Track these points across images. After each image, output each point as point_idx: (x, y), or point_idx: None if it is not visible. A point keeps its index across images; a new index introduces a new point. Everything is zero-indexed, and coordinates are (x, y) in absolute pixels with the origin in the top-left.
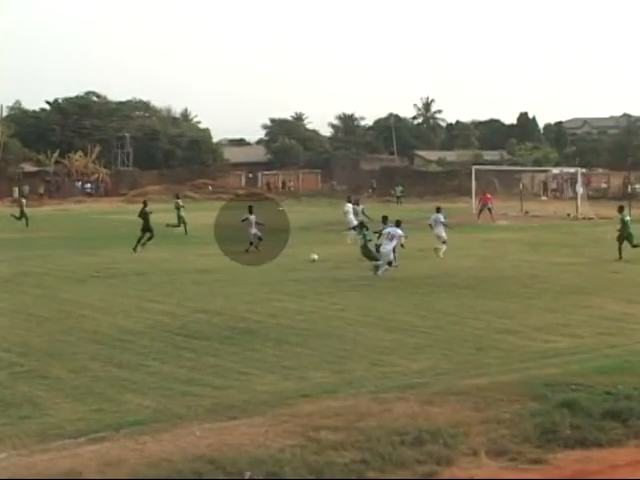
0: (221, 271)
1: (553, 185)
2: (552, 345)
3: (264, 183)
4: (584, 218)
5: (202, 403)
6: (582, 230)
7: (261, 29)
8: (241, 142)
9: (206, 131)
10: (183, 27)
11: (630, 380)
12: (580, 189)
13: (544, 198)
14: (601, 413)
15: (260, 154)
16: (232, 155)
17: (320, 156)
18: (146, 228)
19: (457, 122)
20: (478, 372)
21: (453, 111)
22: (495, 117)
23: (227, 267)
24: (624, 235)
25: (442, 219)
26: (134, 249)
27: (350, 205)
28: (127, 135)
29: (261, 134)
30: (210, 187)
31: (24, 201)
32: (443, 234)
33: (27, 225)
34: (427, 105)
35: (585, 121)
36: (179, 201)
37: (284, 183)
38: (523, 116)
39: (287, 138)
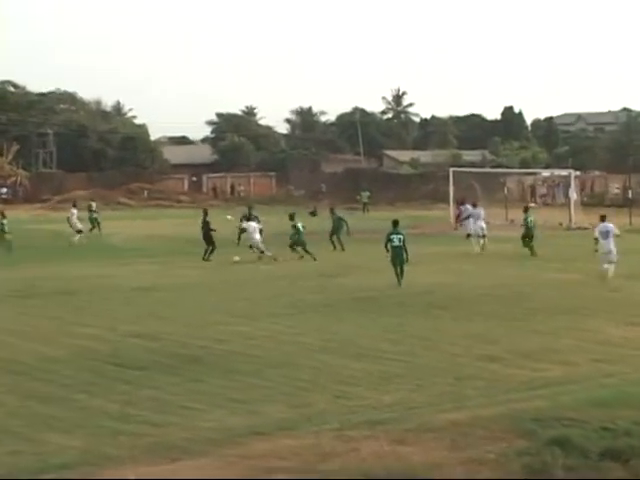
0: (160, 289)
1: (543, 190)
2: (541, 374)
3: (210, 187)
4: (578, 228)
5: (138, 443)
6: (576, 242)
7: (205, 10)
8: (183, 140)
9: (142, 127)
10: (114, 9)
11: (630, 414)
12: (573, 195)
13: (532, 205)
14: (598, 452)
15: (205, 154)
16: (173, 155)
17: (275, 156)
18: (207, 239)
19: (432, 117)
20: (457, 405)
21: (428, 105)
22: (476, 112)
23: (167, 285)
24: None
25: (613, 231)
26: (205, 259)
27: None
28: (50, 132)
29: (206, 131)
30: (146, 192)
31: None
32: (613, 249)
33: None
34: (398, 98)
35: (579, 116)
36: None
37: (233, 187)
38: (508, 111)
39: (236, 136)
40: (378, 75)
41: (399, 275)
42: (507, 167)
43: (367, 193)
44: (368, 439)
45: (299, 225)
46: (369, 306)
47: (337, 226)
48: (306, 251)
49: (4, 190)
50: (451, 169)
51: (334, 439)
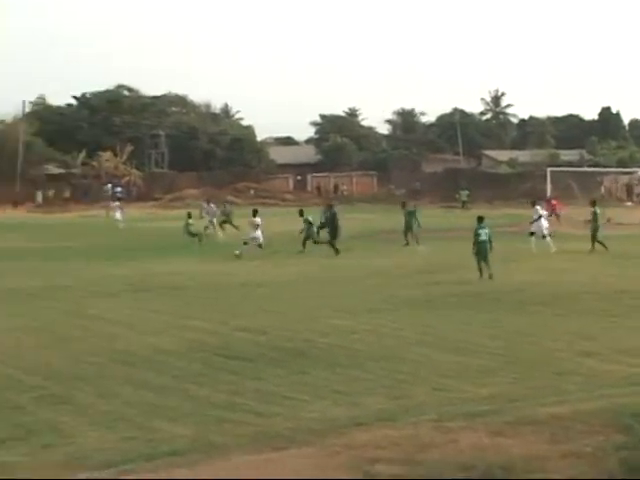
0: (266, 285)
1: (639, 189)
2: None
3: (314, 186)
4: None
5: (243, 431)
6: None
7: (311, 16)
8: (288, 141)
9: (249, 129)
10: (223, 16)
11: None
12: None
13: (629, 204)
14: None
15: (309, 154)
16: (278, 155)
17: (376, 156)
18: (333, 231)
19: (530, 118)
20: (556, 399)
21: (526, 106)
22: (574, 112)
23: (272, 280)
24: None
25: None
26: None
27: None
28: (162, 133)
29: (310, 132)
30: (252, 191)
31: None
32: None
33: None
34: (496, 99)
35: None
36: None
37: (336, 187)
38: (606, 111)
39: (339, 136)
40: (477, 77)
41: (482, 269)
42: (604, 167)
43: (466, 192)
44: (466, 430)
45: (310, 219)
46: (466, 302)
47: (409, 221)
48: (316, 242)
49: (119, 189)
50: (548, 169)
51: (433, 430)
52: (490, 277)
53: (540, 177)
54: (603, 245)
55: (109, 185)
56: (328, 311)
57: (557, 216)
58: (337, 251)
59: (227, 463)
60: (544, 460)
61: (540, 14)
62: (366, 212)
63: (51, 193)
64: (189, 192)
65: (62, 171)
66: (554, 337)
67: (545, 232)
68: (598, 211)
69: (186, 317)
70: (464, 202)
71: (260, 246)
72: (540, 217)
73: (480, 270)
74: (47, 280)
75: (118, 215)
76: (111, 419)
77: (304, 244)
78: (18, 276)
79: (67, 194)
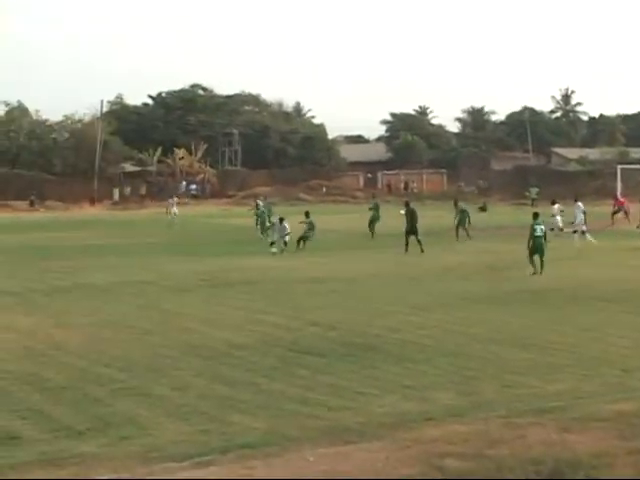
0: (336, 280)
1: None
2: None
3: (384, 184)
4: None
5: (316, 425)
6: None
7: (382, 13)
8: (359, 139)
9: (320, 127)
10: (295, 15)
11: None
12: None
13: None
14: None
15: (380, 152)
16: (349, 153)
17: (446, 154)
18: (412, 228)
19: (600, 116)
20: (624, 396)
21: (596, 104)
22: None
23: (342, 276)
24: None
25: None
26: (421, 250)
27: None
28: (235, 132)
29: (381, 130)
30: (324, 188)
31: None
32: None
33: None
34: (566, 97)
35: None
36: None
37: (406, 184)
38: None
39: (409, 134)
40: (547, 75)
41: (535, 263)
42: None
43: (536, 189)
44: (535, 426)
45: (313, 220)
46: (535, 298)
47: (462, 217)
48: (304, 242)
49: (193, 186)
50: (619, 166)
51: (502, 426)
52: (540, 273)
53: (610, 175)
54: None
55: (184, 183)
56: (398, 307)
57: (626, 213)
58: (421, 248)
59: (299, 455)
60: (611, 457)
61: (609, 12)
62: (436, 209)
63: (128, 190)
64: (261, 189)
65: (138, 169)
66: (621, 334)
67: (578, 227)
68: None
69: (259, 312)
70: (534, 199)
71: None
72: (553, 215)
73: (533, 265)
74: (124, 276)
75: (175, 210)
76: (186, 411)
77: (299, 243)
78: (97, 272)
79: (143, 191)
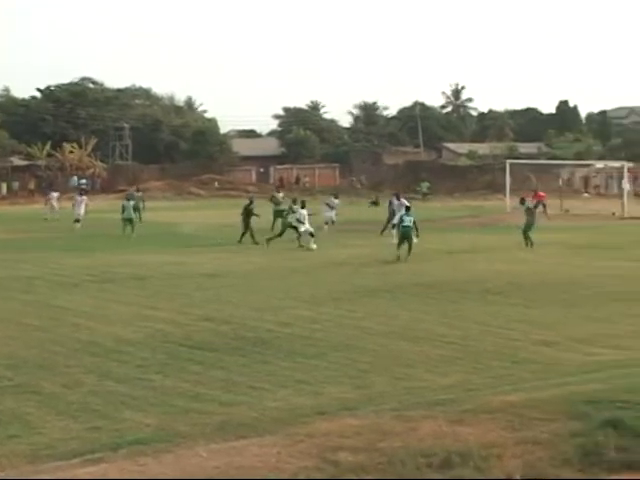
0: (229, 275)
1: (596, 181)
2: (595, 358)
3: (277, 178)
4: (631, 218)
5: (208, 420)
6: (629, 231)
7: (272, 9)
8: (251, 133)
9: (213, 121)
10: (186, 8)
11: None
12: (626, 185)
13: (586, 195)
14: None
15: (272, 147)
16: (241, 148)
17: (338, 149)
18: (245, 224)
19: (490, 111)
20: (513, 388)
21: (485, 99)
22: (532, 106)
23: (235, 271)
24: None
25: None
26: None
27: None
28: (126, 126)
29: (273, 125)
30: (217, 183)
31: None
32: None
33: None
34: (457, 93)
35: (632, 110)
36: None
37: (298, 178)
38: (563, 104)
39: (302, 129)
40: (438, 71)
41: (401, 249)
42: (562, 159)
43: (427, 184)
44: (426, 419)
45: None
46: (427, 292)
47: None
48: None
49: (83, 181)
50: (507, 161)
51: (394, 419)
52: (399, 259)
53: (499, 169)
54: (527, 240)
55: (74, 177)
56: (290, 301)
57: (544, 207)
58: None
59: (191, 451)
60: (500, 447)
61: (499, 9)
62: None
63: (16, 185)
64: (153, 184)
65: (27, 163)
66: (512, 326)
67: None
68: (530, 206)
69: (149, 307)
70: (425, 194)
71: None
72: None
73: (398, 252)
74: (12, 270)
75: (55, 204)
76: (76, 409)
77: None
78: None
79: (32, 186)
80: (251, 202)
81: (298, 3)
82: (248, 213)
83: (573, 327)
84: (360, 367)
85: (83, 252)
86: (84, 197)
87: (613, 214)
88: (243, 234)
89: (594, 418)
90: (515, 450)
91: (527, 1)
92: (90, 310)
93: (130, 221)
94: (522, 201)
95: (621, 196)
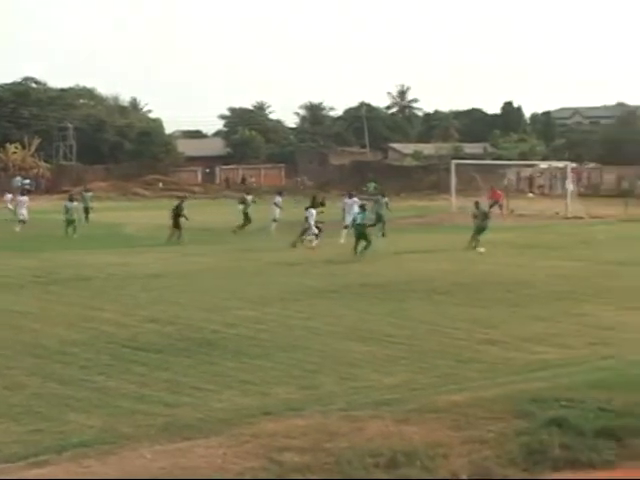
0: (173, 276)
1: (541, 181)
2: (540, 357)
3: (222, 179)
4: (574, 217)
5: (153, 422)
6: (572, 231)
7: (217, 7)
8: (197, 134)
9: (157, 122)
10: (130, 6)
11: (624, 395)
12: (570, 185)
13: (531, 195)
14: (594, 431)
15: (218, 147)
16: (187, 148)
17: (284, 149)
18: (175, 224)
19: (435, 112)
20: (458, 387)
21: (431, 100)
22: (477, 106)
23: (180, 271)
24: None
25: None
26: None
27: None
28: (70, 126)
29: (219, 125)
30: (161, 184)
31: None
32: None
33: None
34: (402, 93)
35: (576, 111)
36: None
37: (244, 179)
38: (508, 105)
39: (247, 129)
40: (384, 71)
41: (358, 246)
42: (507, 159)
43: (373, 184)
44: (373, 419)
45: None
46: (374, 292)
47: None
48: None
49: (27, 181)
50: (453, 161)
51: (340, 419)
52: (357, 254)
53: (445, 170)
54: (473, 242)
55: (18, 177)
56: (236, 302)
57: (500, 206)
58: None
59: (136, 453)
60: (446, 447)
61: (444, 9)
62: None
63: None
64: (97, 184)
65: None
66: (457, 326)
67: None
68: (486, 210)
69: (93, 308)
70: (371, 194)
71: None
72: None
73: (356, 248)
74: None
75: (10, 206)
76: (19, 412)
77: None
78: None
79: None
80: (182, 202)
81: (244, 3)
82: (177, 213)
83: (518, 326)
84: (306, 367)
85: (28, 253)
86: (26, 197)
87: (557, 214)
88: (171, 234)
89: (539, 417)
90: (461, 449)
91: (471, 2)
92: (35, 311)
93: (72, 222)
94: (477, 205)
95: (565, 196)
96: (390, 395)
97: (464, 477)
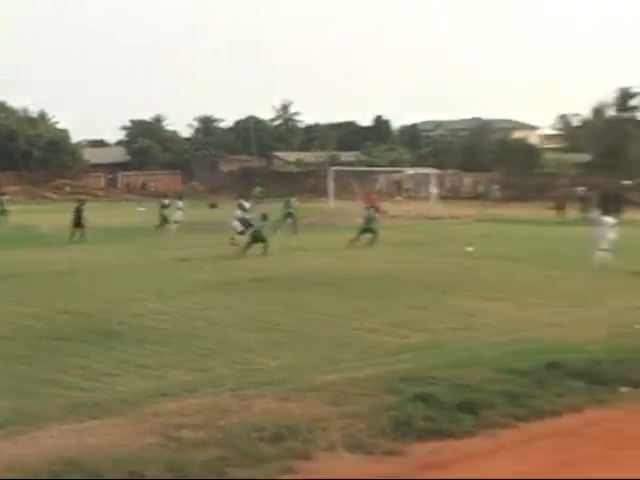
0: (84, 272)
1: (407, 185)
2: (409, 340)
3: (124, 184)
4: (437, 217)
5: (62, 403)
6: (435, 229)
7: (120, 25)
8: (101, 143)
9: (65, 132)
10: (36, 23)
11: (481, 373)
12: (433, 189)
13: (399, 198)
14: (454, 405)
15: (120, 155)
16: (92, 156)
17: (180, 157)
18: (77, 224)
19: (315, 124)
20: (336, 368)
21: (311, 113)
22: (351, 119)
23: (90, 268)
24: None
25: None
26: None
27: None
28: None
29: (121, 135)
30: (68, 188)
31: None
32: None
33: None
34: (285, 107)
35: (439, 123)
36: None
37: (144, 184)
38: (378, 118)
39: (146, 139)
40: (269, 87)
41: (265, 247)
42: (378, 166)
43: (259, 188)
44: (259, 397)
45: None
46: (265, 286)
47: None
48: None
49: None
50: (331, 168)
51: (230, 398)
52: (262, 254)
53: (324, 175)
54: (356, 241)
55: None
56: (140, 295)
57: (377, 209)
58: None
59: (45, 432)
60: (325, 421)
61: (321, 32)
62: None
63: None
64: (9, 189)
65: None
66: (340, 314)
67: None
68: (373, 215)
69: (12, 302)
70: (258, 198)
71: None
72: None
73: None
74: None
75: None
76: None
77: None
78: None
79: None
80: (82, 204)
81: (144, 20)
82: (78, 214)
83: (392, 314)
84: (202, 353)
85: None
86: None
87: (421, 214)
88: (72, 234)
89: (406, 393)
90: (338, 423)
91: (342, 26)
92: None
93: None
94: (368, 209)
95: (428, 199)
96: (275, 376)
97: (340, 447)
